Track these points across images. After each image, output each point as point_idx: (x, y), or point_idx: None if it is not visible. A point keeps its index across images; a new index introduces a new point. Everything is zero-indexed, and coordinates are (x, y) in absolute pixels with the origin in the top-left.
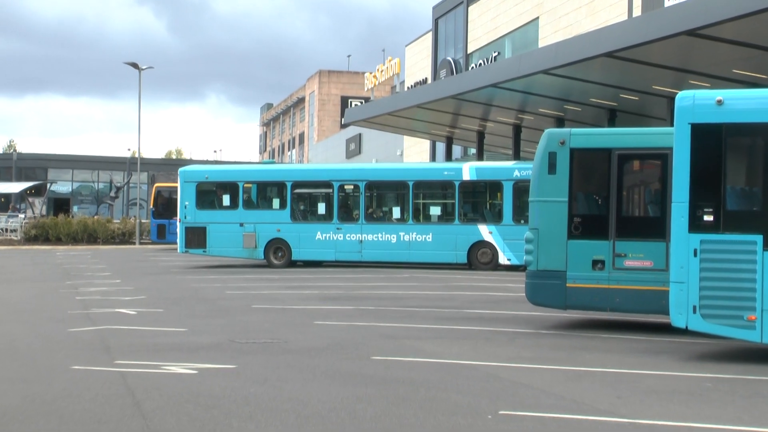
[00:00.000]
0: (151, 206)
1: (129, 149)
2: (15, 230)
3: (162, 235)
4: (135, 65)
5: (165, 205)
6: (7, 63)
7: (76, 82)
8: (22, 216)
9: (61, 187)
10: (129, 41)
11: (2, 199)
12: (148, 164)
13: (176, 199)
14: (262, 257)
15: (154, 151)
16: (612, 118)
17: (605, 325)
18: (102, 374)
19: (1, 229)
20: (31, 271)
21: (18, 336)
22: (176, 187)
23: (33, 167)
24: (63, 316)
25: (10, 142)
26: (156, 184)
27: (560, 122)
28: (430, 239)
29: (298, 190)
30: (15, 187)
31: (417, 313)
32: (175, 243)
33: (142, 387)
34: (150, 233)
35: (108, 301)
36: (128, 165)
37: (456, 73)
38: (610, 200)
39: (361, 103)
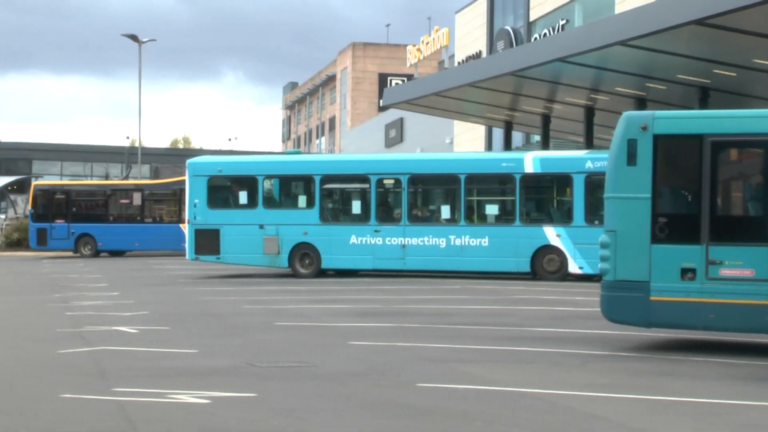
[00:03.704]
0: (30, 208)
1: (128, 137)
2: None
3: (43, 240)
4: (134, 37)
5: (45, 206)
6: None
7: (65, 57)
8: (3, 217)
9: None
10: (128, 9)
11: None
12: (151, 155)
13: (58, 200)
14: (286, 265)
15: (158, 139)
16: (704, 98)
17: (696, 347)
18: (97, 404)
19: None
20: (13, 281)
21: None
22: (57, 186)
23: (15, 159)
24: (50, 336)
25: None
26: (35, 183)
27: (641, 103)
28: (486, 243)
29: (328, 186)
30: None
31: (469, 332)
32: (58, 250)
33: (145, 419)
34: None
35: (104, 318)
36: (127, 156)
37: (516, 45)
38: (702, 196)
39: (403, 81)
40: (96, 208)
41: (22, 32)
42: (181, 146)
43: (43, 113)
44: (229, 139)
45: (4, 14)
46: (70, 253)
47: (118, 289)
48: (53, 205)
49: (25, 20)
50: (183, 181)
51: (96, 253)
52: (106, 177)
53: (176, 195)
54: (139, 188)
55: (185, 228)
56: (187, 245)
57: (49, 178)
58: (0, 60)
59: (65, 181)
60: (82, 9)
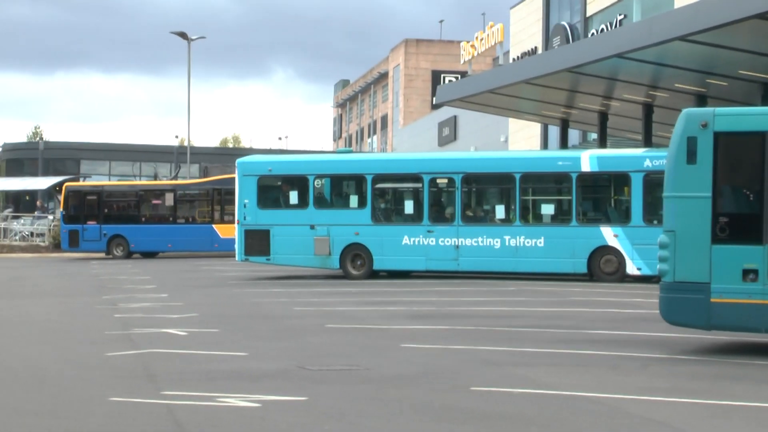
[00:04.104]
0: (61, 209)
1: (177, 136)
2: (42, 234)
3: (75, 242)
4: (184, 35)
5: (77, 208)
6: (33, 34)
7: (114, 55)
8: (51, 218)
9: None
10: (177, 6)
11: (27, 197)
12: (200, 154)
13: (90, 201)
14: (338, 266)
15: (207, 138)
16: (766, 94)
17: (759, 350)
18: (146, 407)
19: (26, 234)
20: (61, 283)
21: (46, 361)
22: (88, 187)
23: (63, 158)
24: (99, 338)
25: (35, 128)
26: (66, 184)
27: (702, 100)
28: (542, 244)
29: (380, 185)
30: (42, 183)
31: (526, 335)
32: (90, 251)
33: (194, 423)
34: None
35: (153, 320)
36: (176, 155)
37: (572, 40)
38: (765, 195)
39: (457, 78)
40: (128, 209)
41: (71, 30)
42: (230, 145)
43: (92, 112)
44: (280, 138)
45: (52, 12)
46: (103, 255)
47: (167, 291)
48: (85, 207)
49: (74, 18)
50: (215, 181)
51: (128, 255)
52: (155, 177)
53: (208, 195)
54: (171, 188)
55: (218, 228)
56: (236, 246)
57: (97, 178)
58: (48, 58)
59: (97, 182)
60: (132, 6)
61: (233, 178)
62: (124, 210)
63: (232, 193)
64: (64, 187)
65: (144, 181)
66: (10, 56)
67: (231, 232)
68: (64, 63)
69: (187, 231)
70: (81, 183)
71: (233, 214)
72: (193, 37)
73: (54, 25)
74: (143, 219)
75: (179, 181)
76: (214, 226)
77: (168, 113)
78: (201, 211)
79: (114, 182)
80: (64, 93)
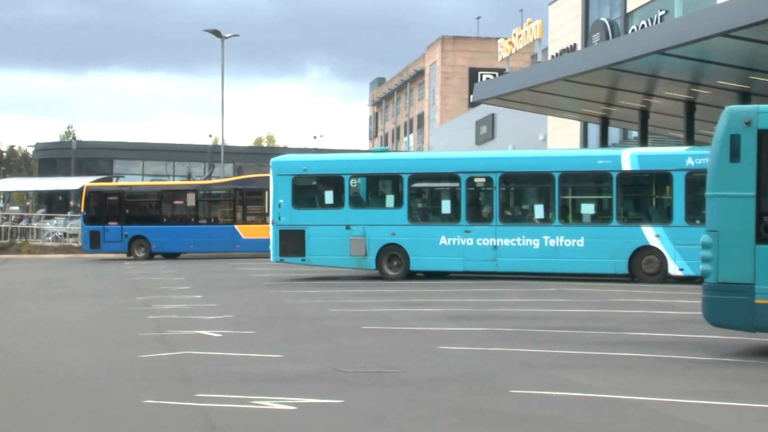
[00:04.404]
0: (82, 210)
1: (210, 135)
2: (75, 235)
3: (96, 243)
4: (217, 33)
5: (98, 209)
6: (65, 32)
7: (147, 54)
8: None
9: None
10: (210, 4)
11: (60, 198)
12: (234, 153)
13: (111, 201)
14: (374, 267)
15: (241, 137)
16: None
17: None
18: (180, 410)
19: (59, 235)
20: (95, 284)
21: (79, 363)
22: (109, 187)
23: (95, 158)
24: (132, 340)
25: (68, 128)
26: (87, 184)
27: (745, 97)
28: (582, 244)
29: (417, 185)
30: (74, 183)
31: (565, 337)
32: (111, 252)
33: (229, 426)
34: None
35: (187, 321)
36: (210, 155)
37: (612, 37)
38: None
39: (494, 76)
40: (149, 210)
41: (103, 28)
42: (264, 144)
43: (125, 111)
44: (314, 137)
45: (84, 10)
46: (124, 256)
47: (201, 292)
48: (106, 207)
49: (106, 16)
50: (237, 181)
51: (150, 256)
52: (189, 177)
53: (230, 195)
54: (192, 189)
55: (240, 229)
56: (271, 247)
57: (130, 178)
58: (81, 57)
59: (118, 183)
60: (165, 4)
61: (255, 178)
62: (145, 210)
63: (254, 193)
64: (84, 188)
65: (165, 182)
66: (42, 55)
67: (253, 232)
68: (97, 62)
69: (209, 231)
70: (102, 183)
71: (255, 215)
72: (227, 35)
73: (86, 23)
74: (165, 219)
75: (201, 182)
76: (236, 226)
77: (202, 112)
78: (223, 211)
79: (135, 182)
80: (97, 92)
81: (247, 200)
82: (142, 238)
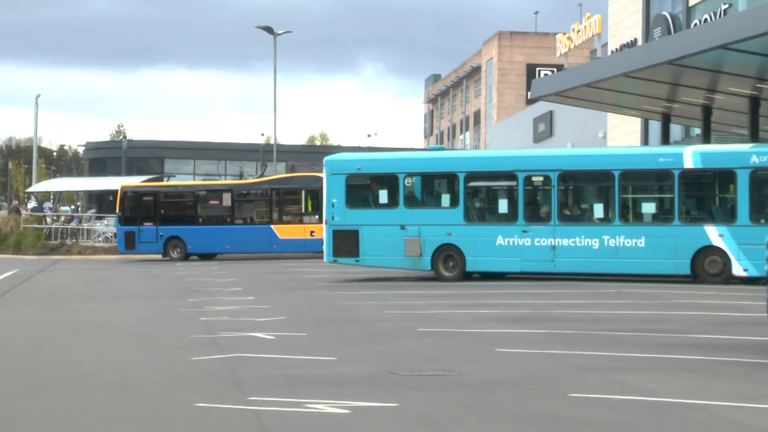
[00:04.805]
0: (117, 210)
1: (263, 134)
2: None
3: (131, 244)
4: (269, 29)
5: (133, 209)
6: (116, 30)
7: (199, 51)
8: None
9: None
10: (262, 0)
11: (110, 198)
12: (287, 152)
13: (146, 202)
14: (429, 267)
15: (294, 136)
16: None
17: None
18: (232, 414)
19: (110, 235)
20: (146, 286)
21: (130, 365)
22: (145, 188)
23: (146, 157)
24: (184, 342)
25: (119, 126)
26: (122, 185)
27: None
28: (643, 244)
29: (473, 183)
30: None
31: (625, 339)
32: (146, 253)
33: (282, 429)
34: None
35: (239, 323)
36: (262, 153)
37: (674, 31)
38: None
39: (552, 72)
40: (185, 210)
41: (154, 26)
42: (318, 143)
43: (176, 109)
44: (369, 135)
45: (135, 7)
46: (159, 257)
47: (253, 294)
48: (141, 208)
49: (157, 13)
50: (273, 181)
51: (185, 257)
52: (241, 176)
53: (267, 195)
54: (228, 189)
55: (276, 229)
56: (324, 247)
57: (181, 177)
58: (132, 54)
59: (153, 183)
60: (216, 1)
61: (291, 177)
62: (181, 211)
63: (291, 192)
64: (120, 188)
65: (201, 182)
66: (93, 53)
67: (290, 232)
68: (148, 59)
69: (245, 232)
70: (138, 183)
71: (292, 215)
72: (279, 32)
73: (136, 20)
74: (200, 220)
75: (236, 181)
76: (272, 226)
77: (254, 110)
78: (259, 211)
79: (171, 183)
80: (148, 90)
81: (284, 200)
82: (177, 239)
